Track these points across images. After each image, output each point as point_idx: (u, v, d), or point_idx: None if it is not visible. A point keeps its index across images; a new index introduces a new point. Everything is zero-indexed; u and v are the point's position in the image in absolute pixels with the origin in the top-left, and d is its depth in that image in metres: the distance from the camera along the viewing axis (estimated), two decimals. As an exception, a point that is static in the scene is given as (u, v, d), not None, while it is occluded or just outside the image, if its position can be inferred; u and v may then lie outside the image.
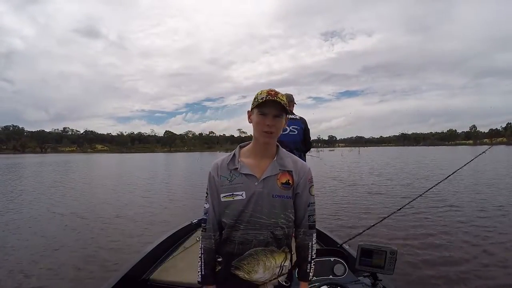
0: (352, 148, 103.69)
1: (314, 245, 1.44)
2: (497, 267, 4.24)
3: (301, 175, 1.42)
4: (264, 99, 1.30)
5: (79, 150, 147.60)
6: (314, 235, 1.45)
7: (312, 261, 1.44)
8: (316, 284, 1.47)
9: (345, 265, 1.63)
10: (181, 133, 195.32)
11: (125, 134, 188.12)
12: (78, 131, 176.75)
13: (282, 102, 1.31)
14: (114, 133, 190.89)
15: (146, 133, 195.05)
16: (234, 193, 1.35)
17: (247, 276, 1.35)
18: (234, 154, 1.44)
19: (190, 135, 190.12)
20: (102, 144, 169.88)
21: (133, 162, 43.09)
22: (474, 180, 13.16)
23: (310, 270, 1.44)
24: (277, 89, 1.35)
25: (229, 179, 1.38)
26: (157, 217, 7.80)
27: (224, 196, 1.37)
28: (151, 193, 12.01)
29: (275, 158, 1.41)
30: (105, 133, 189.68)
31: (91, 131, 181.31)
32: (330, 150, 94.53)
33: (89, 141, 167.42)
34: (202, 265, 1.45)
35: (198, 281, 1.41)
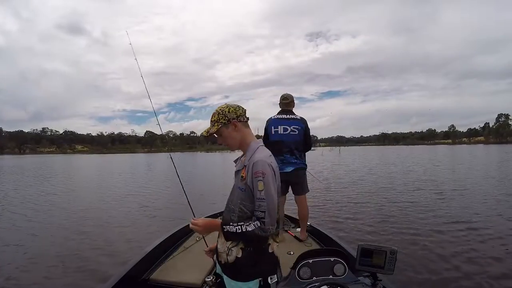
0: (333, 147, 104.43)
1: (250, 230, 1.49)
2: (498, 266, 4.19)
3: (250, 168, 1.54)
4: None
5: (58, 151, 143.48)
6: (256, 224, 1.49)
7: (238, 231, 1.50)
8: (316, 284, 1.47)
9: (345, 265, 1.63)
10: (162, 133, 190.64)
11: (105, 134, 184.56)
12: (58, 132, 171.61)
13: (205, 133, 1.64)
14: (94, 134, 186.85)
15: (126, 133, 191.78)
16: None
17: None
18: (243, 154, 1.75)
19: (171, 135, 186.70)
20: (82, 145, 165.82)
21: (115, 164, 42.14)
22: (479, 175, 13.49)
23: (230, 231, 1.52)
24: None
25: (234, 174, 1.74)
26: (156, 218, 7.69)
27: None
28: (148, 194, 11.78)
29: (245, 155, 1.69)
30: (85, 134, 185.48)
31: (71, 131, 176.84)
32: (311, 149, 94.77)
33: (68, 142, 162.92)
34: None
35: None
